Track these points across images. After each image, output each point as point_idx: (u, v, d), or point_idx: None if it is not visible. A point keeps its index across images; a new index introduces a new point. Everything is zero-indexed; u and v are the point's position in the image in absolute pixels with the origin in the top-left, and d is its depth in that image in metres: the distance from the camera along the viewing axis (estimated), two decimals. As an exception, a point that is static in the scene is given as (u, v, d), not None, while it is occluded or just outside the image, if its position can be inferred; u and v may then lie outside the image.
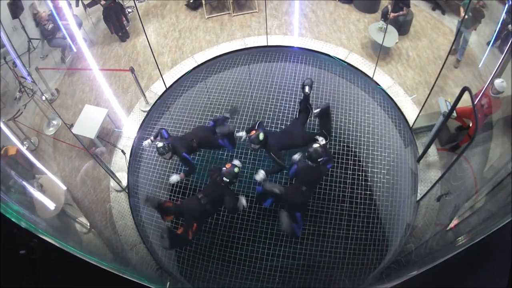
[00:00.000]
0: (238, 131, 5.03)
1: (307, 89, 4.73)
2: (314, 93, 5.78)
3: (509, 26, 5.51)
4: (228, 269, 4.57)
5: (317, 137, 4.58)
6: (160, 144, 4.44)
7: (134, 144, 5.55)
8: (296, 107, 5.56)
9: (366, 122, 5.50)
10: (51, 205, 4.53)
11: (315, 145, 4.12)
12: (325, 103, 4.78)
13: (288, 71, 6.26)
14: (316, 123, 5.15)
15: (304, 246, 4.65)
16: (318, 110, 4.68)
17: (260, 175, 4.46)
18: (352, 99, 5.77)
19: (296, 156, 4.46)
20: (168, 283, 4.34)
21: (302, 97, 4.85)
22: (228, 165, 4.25)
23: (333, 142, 5.26)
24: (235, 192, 4.49)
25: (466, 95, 4.01)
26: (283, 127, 5.35)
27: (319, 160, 4.13)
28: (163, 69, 6.29)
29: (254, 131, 4.47)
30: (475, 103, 4.39)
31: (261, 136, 4.37)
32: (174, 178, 4.70)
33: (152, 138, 4.90)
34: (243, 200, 4.36)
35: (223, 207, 4.53)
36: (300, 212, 4.25)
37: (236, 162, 4.43)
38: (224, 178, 4.20)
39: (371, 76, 5.98)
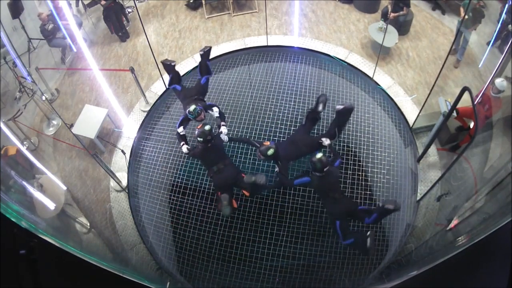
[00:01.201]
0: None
1: (320, 107, 4.59)
2: (314, 93, 5.78)
3: (509, 26, 5.51)
4: (228, 269, 4.57)
5: (322, 139, 4.47)
6: (192, 108, 4.35)
7: (134, 144, 5.55)
8: (297, 107, 5.57)
9: (366, 122, 5.49)
10: (51, 205, 4.54)
11: (318, 155, 4.04)
12: (350, 103, 4.65)
13: (288, 71, 6.26)
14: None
15: (304, 246, 4.64)
16: (341, 106, 4.51)
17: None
18: (352, 99, 5.77)
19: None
20: (168, 283, 4.34)
21: (312, 109, 4.67)
22: (199, 126, 4.28)
23: (333, 142, 5.25)
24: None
25: (466, 95, 4.01)
26: (283, 127, 5.35)
27: (325, 168, 4.06)
28: (163, 69, 6.28)
29: (267, 142, 4.37)
30: (475, 103, 4.39)
31: (270, 151, 4.24)
32: (224, 131, 4.64)
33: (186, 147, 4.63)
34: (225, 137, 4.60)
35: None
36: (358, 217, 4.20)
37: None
38: (199, 139, 4.22)
39: (371, 76, 5.98)
